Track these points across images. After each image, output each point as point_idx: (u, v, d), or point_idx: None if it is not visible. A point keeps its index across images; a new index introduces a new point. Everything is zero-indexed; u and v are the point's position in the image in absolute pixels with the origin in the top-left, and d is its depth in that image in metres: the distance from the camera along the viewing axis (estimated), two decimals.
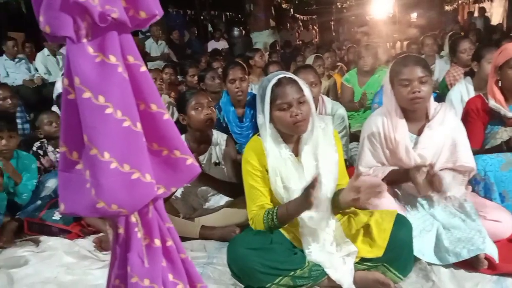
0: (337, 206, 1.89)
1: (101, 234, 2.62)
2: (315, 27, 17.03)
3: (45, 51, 6.20)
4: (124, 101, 0.85)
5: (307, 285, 1.85)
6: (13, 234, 2.71)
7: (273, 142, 1.90)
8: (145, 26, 0.88)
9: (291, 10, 14.91)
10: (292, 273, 1.81)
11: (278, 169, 1.88)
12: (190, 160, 0.94)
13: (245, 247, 1.79)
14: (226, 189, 2.62)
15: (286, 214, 1.84)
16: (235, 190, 2.58)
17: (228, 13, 12.41)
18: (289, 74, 1.91)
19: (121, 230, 0.93)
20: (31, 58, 6.39)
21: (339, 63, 6.27)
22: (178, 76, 5.14)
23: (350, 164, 3.00)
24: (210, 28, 11.96)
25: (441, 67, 4.96)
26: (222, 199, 2.72)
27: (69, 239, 2.65)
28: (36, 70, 6.11)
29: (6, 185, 2.80)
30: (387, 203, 2.11)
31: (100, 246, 2.49)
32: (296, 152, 1.95)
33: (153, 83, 0.92)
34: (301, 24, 14.74)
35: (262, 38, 10.00)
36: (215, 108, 2.76)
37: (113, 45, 0.83)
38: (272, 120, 1.88)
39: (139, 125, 0.88)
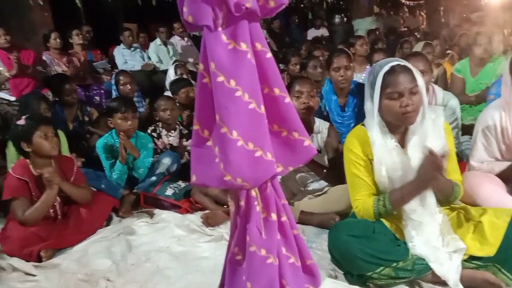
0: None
1: (207, 211, 2.81)
2: (422, 13, 16.02)
3: (157, 40, 6.67)
4: (251, 85, 0.93)
5: (409, 278, 1.83)
6: (131, 206, 3.02)
7: (379, 131, 1.88)
8: (272, 14, 0.95)
9: None
10: (395, 264, 1.80)
11: (383, 159, 1.86)
12: (308, 142, 1.00)
13: (347, 234, 1.81)
14: (328, 175, 2.65)
15: (400, 198, 1.82)
16: (335, 178, 2.60)
17: (329, 0, 12.21)
18: (403, 62, 1.85)
19: (242, 203, 1.02)
20: (144, 47, 6.91)
21: (449, 51, 5.88)
22: (280, 65, 5.24)
23: (461, 159, 2.84)
24: (310, 16, 11.89)
25: None
26: (322, 186, 2.75)
27: (179, 213, 2.89)
28: (149, 58, 6.61)
29: (126, 159, 3.13)
30: (502, 200, 1.98)
31: (207, 222, 2.68)
32: (403, 143, 1.91)
33: (277, 69, 0.98)
34: (406, 9, 13.97)
35: (364, 25, 9.69)
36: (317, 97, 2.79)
37: (244, 33, 0.91)
38: (380, 108, 1.85)
39: (262, 107, 0.95)
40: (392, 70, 1.80)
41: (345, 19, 11.11)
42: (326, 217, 2.50)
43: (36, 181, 2.54)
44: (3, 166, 3.72)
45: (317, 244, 2.30)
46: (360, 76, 4.43)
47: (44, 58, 5.04)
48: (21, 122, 2.61)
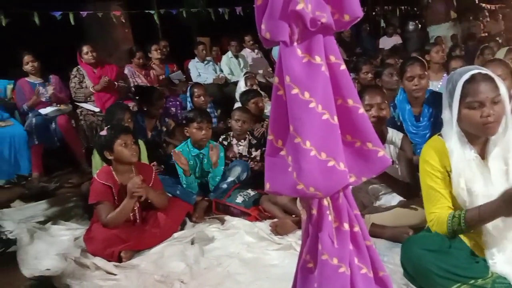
0: None
1: (276, 220, 2.85)
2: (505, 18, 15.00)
3: (229, 53, 6.89)
4: (325, 97, 0.95)
5: None
6: (204, 212, 3.14)
7: (458, 142, 1.80)
8: (346, 28, 0.97)
9: None
10: (473, 281, 1.71)
11: (462, 170, 1.78)
12: (382, 152, 1.00)
13: (422, 248, 1.76)
14: (401, 189, 2.57)
15: (477, 219, 1.73)
16: (409, 191, 2.52)
17: (402, 7, 11.86)
18: (484, 70, 1.77)
19: (314, 211, 1.05)
20: (217, 60, 7.17)
21: None
22: (351, 74, 5.17)
23: None
24: (382, 24, 11.62)
25: None
26: (394, 199, 2.68)
27: (249, 220, 2.95)
28: (221, 70, 6.84)
29: (206, 167, 3.30)
30: None
31: (276, 230, 2.71)
32: (483, 155, 1.82)
33: (351, 80, 1.00)
34: (487, 14, 13.18)
35: (440, 32, 9.27)
36: (389, 106, 2.73)
37: (318, 47, 0.95)
38: (459, 118, 1.78)
39: (336, 118, 0.98)
40: (473, 78, 1.73)
41: (420, 26, 10.71)
42: (399, 230, 2.43)
43: (119, 186, 2.74)
44: (89, 172, 4.06)
45: (389, 258, 2.24)
46: (436, 85, 4.26)
47: (126, 70, 5.41)
48: (104, 132, 2.84)
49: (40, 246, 2.82)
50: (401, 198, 2.63)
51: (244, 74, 5.40)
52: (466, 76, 1.74)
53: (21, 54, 4.54)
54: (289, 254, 2.43)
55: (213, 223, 3.01)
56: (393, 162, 2.65)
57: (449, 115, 1.80)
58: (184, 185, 3.24)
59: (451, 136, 1.81)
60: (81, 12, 5.87)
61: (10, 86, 4.59)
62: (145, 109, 4.17)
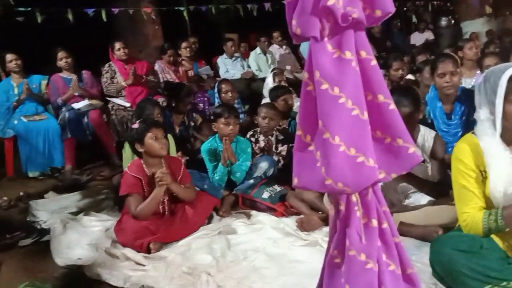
0: None
1: (302, 216, 2.85)
2: None
3: (257, 50, 6.90)
4: (355, 92, 0.95)
5: None
6: (230, 206, 3.17)
7: (493, 141, 1.75)
8: (378, 23, 0.97)
9: None
10: (504, 283, 1.67)
11: (498, 170, 1.73)
12: (413, 149, 0.99)
13: (452, 248, 1.73)
14: (428, 188, 2.53)
15: None
16: (438, 190, 2.48)
17: (434, 2, 11.57)
18: None
19: (342, 207, 1.05)
20: (245, 56, 7.19)
21: None
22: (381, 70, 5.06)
23: None
24: (414, 20, 11.38)
25: None
26: (423, 198, 2.64)
27: (275, 216, 2.96)
28: (249, 66, 6.86)
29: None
30: None
31: (302, 226, 2.71)
32: None
33: (382, 76, 1.00)
34: None
35: (474, 27, 8.99)
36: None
37: (349, 42, 0.94)
38: (503, 115, 1.71)
39: (366, 114, 0.97)
40: None
41: (453, 21, 10.43)
42: (428, 229, 2.39)
43: (149, 179, 2.79)
44: (120, 166, 4.15)
45: (418, 257, 2.21)
46: (469, 82, 4.14)
47: (156, 67, 5.50)
48: (135, 125, 2.90)
49: (73, 236, 2.92)
50: (431, 198, 2.58)
51: (272, 70, 5.40)
52: (509, 72, 1.69)
53: (56, 51, 4.68)
54: (315, 250, 2.42)
55: (239, 217, 3.03)
56: (424, 160, 2.61)
57: (485, 114, 1.75)
58: (217, 177, 3.27)
59: (486, 135, 1.76)
60: (112, 9, 5.99)
61: (44, 82, 4.74)
62: (174, 104, 4.24)
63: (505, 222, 1.70)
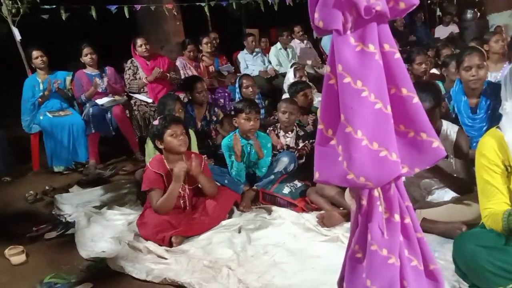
0: None
1: (322, 212, 2.84)
2: None
3: (278, 45, 6.86)
4: (378, 86, 0.94)
5: None
6: (251, 202, 3.18)
7: None
8: (401, 15, 0.95)
9: None
10: None
11: None
12: (436, 143, 0.97)
13: (475, 244, 1.70)
14: (454, 184, 2.48)
15: None
16: (463, 186, 2.43)
17: None
18: None
19: (364, 202, 1.04)
20: (266, 52, 7.17)
21: None
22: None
23: None
24: (438, 12, 11.13)
25: None
26: (447, 194, 2.59)
27: (295, 211, 2.96)
28: (269, 62, 6.84)
29: (253, 158, 3.33)
30: None
31: (323, 222, 2.70)
32: None
33: (405, 69, 0.98)
34: None
35: (501, 20, 8.72)
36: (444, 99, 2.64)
37: (372, 35, 0.93)
38: None
39: (389, 107, 0.96)
40: None
41: (479, 14, 10.17)
42: (452, 226, 2.36)
43: (170, 174, 2.83)
44: (142, 161, 4.21)
45: (440, 254, 2.18)
46: (495, 76, 4.04)
47: (177, 63, 5.54)
48: (156, 122, 2.93)
49: (96, 229, 2.98)
50: (454, 194, 2.53)
51: (292, 65, 5.36)
52: None
53: (81, 47, 4.76)
54: (336, 246, 2.42)
55: (260, 212, 3.05)
56: (447, 156, 2.56)
57: (511, 106, 1.71)
58: (234, 172, 3.29)
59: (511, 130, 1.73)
60: (135, 6, 6.05)
61: (69, 78, 4.84)
62: (190, 97, 4.27)
63: None
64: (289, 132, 3.61)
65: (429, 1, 11.11)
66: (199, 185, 2.89)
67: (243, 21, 9.65)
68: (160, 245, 2.62)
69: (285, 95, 4.70)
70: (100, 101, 4.64)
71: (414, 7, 0.94)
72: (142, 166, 3.71)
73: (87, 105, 4.67)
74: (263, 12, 7.54)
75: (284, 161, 3.29)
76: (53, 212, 3.46)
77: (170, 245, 2.63)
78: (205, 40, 5.87)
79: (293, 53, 6.85)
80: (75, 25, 6.03)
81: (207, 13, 7.32)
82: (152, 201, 2.78)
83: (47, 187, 3.97)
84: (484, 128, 2.93)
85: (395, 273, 1.01)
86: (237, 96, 4.66)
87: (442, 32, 8.93)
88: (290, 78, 5.01)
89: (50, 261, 2.69)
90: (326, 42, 7.29)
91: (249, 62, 6.64)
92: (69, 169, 4.54)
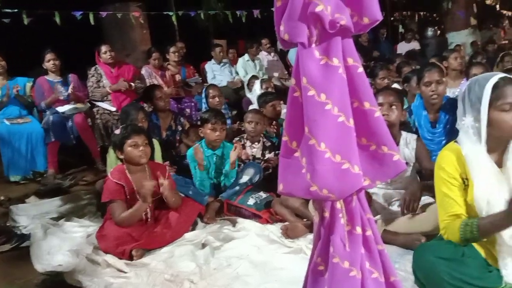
0: None
1: (287, 223, 2.84)
2: None
3: (246, 56, 6.91)
4: (341, 99, 0.95)
5: None
6: (215, 213, 3.14)
7: (476, 149, 1.78)
8: (365, 30, 0.97)
9: (497, 6, 13.28)
10: None
11: (480, 179, 1.75)
12: (397, 156, 0.99)
13: (434, 255, 1.73)
14: None
15: (489, 227, 1.70)
16: None
17: (421, 13, 11.78)
18: (508, 76, 1.76)
19: (326, 214, 1.04)
20: (233, 63, 7.19)
21: None
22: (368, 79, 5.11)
23: None
24: (401, 29, 11.54)
25: None
26: None
27: (260, 223, 2.95)
28: (237, 73, 6.86)
29: (219, 168, 3.31)
30: None
31: (287, 233, 2.70)
32: (500, 164, 1.79)
33: (368, 83, 1.00)
34: (507, 21, 13.02)
35: (459, 38, 9.18)
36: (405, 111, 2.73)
37: (336, 49, 0.94)
38: (488, 123, 1.73)
39: (351, 120, 0.97)
40: (502, 82, 1.71)
41: (439, 32, 10.63)
42: (411, 237, 2.41)
43: (131, 185, 2.75)
44: (103, 171, 4.10)
45: (401, 265, 2.22)
46: (454, 91, 4.21)
47: (143, 71, 5.46)
48: (117, 131, 2.86)
49: (53, 242, 2.86)
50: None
51: (251, 78, 5.40)
52: (494, 80, 1.72)
53: (44, 52, 4.61)
54: (299, 258, 2.42)
55: (224, 224, 3.01)
56: (407, 163, 2.64)
57: (469, 122, 1.77)
58: (197, 182, 3.25)
59: (468, 144, 1.78)
60: (100, 13, 5.95)
61: (29, 84, 4.67)
62: (151, 106, 4.22)
63: (480, 234, 1.72)
64: (256, 143, 3.61)
65: (392, 18, 11.52)
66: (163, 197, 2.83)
67: (211, 31, 9.67)
68: (120, 258, 2.54)
69: (252, 106, 4.73)
70: (61, 109, 4.50)
71: (377, 22, 0.96)
72: (103, 177, 3.61)
73: (48, 112, 4.51)
74: (231, 23, 7.58)
75: (249, 172, 3.28)
76: (8, 224, 3.30)
77: (131, 258, 2.55)
78: (172, 49, 5.83)
79: (260, 64, 6.91)
80: (38, 31, 5.86)
81: (175, 23, 7.29)
82: (113, 213, 2.69)
83: (2, 197, 3.80)
84: (443, 142, 3.02)
85: (356, 286, 1.01)
86: (204, 106, 4.64)
87: (404, 48, 9.25)
88: (256, 89, 5.04)
89: (3, 275, 2.55)
90: (292, 55, 7.39)
91: (217, 73, 6.65)
92: (26, 178, 4.36)
